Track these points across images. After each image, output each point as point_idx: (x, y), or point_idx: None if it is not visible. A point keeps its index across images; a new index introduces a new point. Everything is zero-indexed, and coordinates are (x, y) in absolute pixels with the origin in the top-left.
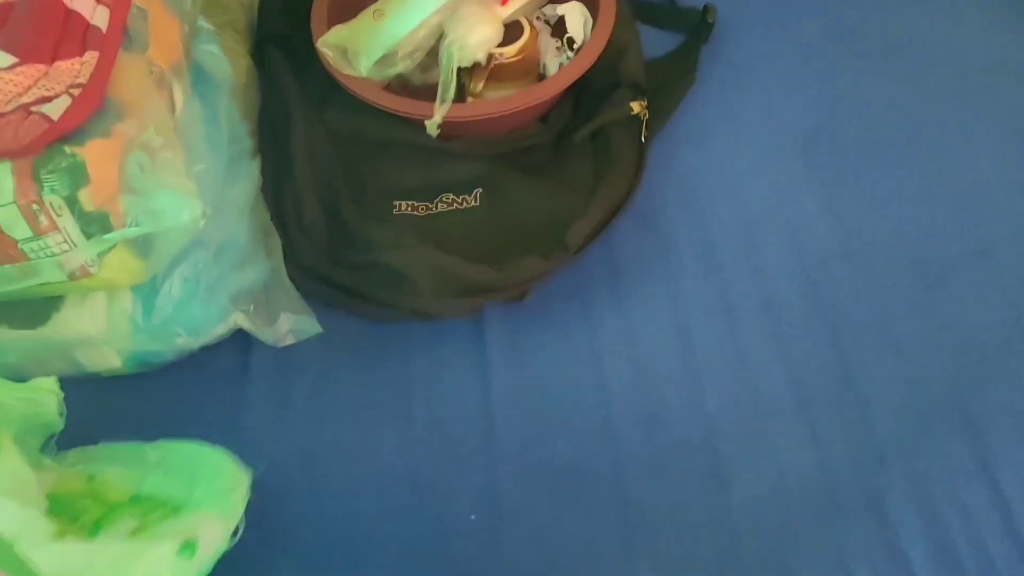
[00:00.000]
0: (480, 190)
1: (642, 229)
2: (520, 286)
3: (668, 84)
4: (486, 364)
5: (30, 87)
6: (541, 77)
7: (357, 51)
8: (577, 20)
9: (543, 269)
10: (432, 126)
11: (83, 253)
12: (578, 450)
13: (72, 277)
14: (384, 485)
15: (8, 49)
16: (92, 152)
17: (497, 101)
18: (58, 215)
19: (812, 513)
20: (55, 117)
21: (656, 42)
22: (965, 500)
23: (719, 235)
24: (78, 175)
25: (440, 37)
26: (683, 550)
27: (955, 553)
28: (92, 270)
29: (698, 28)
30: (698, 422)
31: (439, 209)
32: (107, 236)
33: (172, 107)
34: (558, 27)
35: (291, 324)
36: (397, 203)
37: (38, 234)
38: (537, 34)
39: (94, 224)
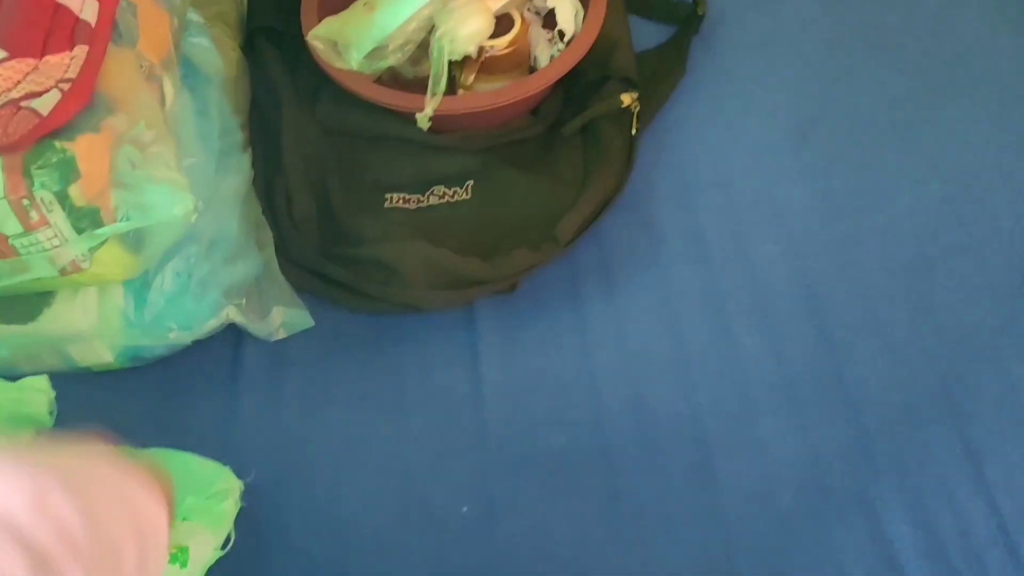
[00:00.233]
0: (471, 183)
1: (632, 221)
2: (510, 278)
3: (659, 76)
4: (477, 356)
5: (19, 82)
6: (532, 69)
7: (347, 44)
8: (568, 12)
9: (533, 261)
10: (423, 119)
11: (74, 248)
12: (568, 441)
13: (63, 272)
14: (376, 477)
15: None
16: (82, 147)
17: (488, 94)
18: (49, 210)
19: (800, 503)
20: (45, 112)
21: (647, 34)
22: (951, 488)
23: (709, 227)
24: (68, 170)
25: (431, 30)
26: (672, 540)
27: (941, 543)
28: (83, 265)
29: (689, 20)
30: (688, 413)
31: (430, 202)
32: (98, 231)
33: (162, 101)
34: (549, 19)
35: (283, 318)
36: (388, 196)
37: (29, 230)
38: (528, 26)
39: (85, 219)
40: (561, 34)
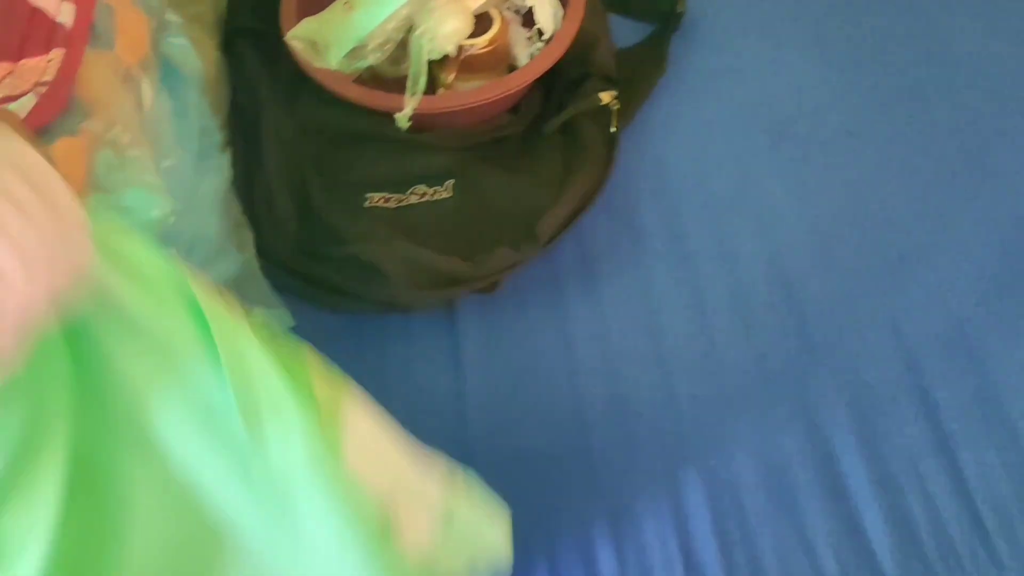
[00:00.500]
0: (451, 181)
1: (613, 219)
2: (491, 277)
3: (638, 74)
4: (459, 354)
5: None
6: (512, 68)
7: (327, 43)
8: (547, 11)
9: (514, 260)
10: (402, 119)
11: None
12: (550, 436)
13: None
14: None
15: None
16: (59, 150)
17: (467, 92)
18: None
19: (769, 505)
20: (21, 115)
21: (626, 32)
22: (921, 472)
23: (689, 223)
24: None
25: (410, 29)
26: (651, 534)
27: (917, 537)
28: None
29: (668, 18)
30: (668, 408)
31: (411, 201)
32: None
33: (140, 103)
34: (528, 18)
35: (263, 318)
36: (369, 195)
37: None
38: (507, 25)
39: None
40: (540, 33)
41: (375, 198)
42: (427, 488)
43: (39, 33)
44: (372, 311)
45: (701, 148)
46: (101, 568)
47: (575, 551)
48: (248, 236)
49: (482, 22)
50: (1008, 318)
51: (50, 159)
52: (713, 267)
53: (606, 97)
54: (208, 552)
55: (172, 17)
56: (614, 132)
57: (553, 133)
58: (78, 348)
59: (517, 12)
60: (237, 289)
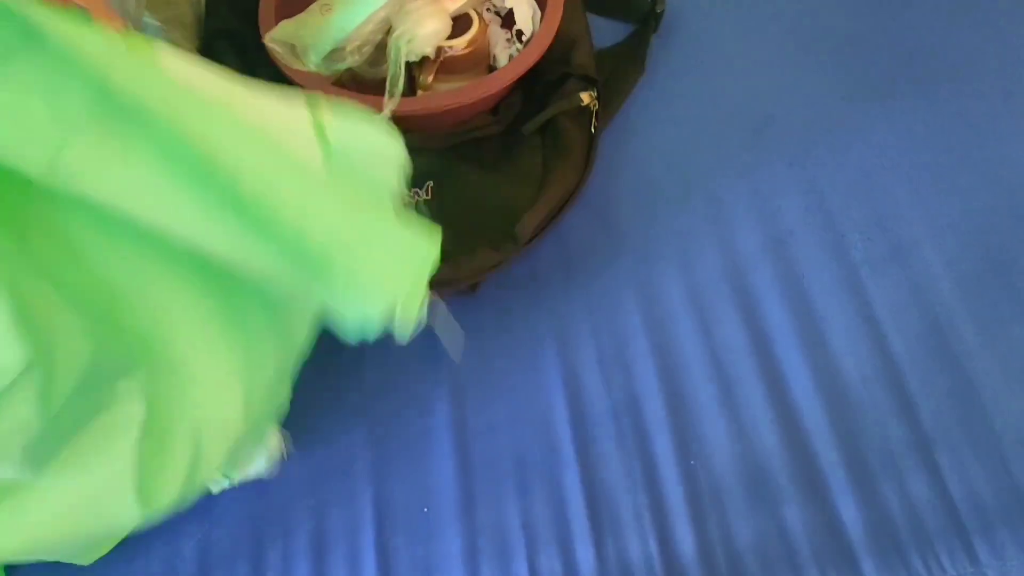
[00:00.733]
0: (431, 183)
1: (593, 219)
2: (472, 278)
3: (618, 74)
4: (439, 357)
5: None
6: (491, 69)
7: (305, 46)
8: (525, 12)
9: (494, 262)
10: (381, 120)
11: None
12: (529, 438)
13: None
14: (339, 477)
15: None
16: None
17: (447, 94)
18: None
19: (747, 502)
20: None
21: (606, 32)
22: (899, 469)
23: (669, 222)
24: None
25: (388, 31)
26: (631, 531)
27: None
28: None
29: (647, 18)
30: (648, 404)
31: None
32: None
33: None
34: (508, 19)
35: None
36: None
37: None
38: (487, 26)
39: None
40: (519, 34)
41: None
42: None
43: None
44: None
45: (680, 148)
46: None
47: (554, 546)
48: None
49: (461, 23)
50: (985, 314)
51: None
52: (692, 263)
53: (586, 97)
54: None
55: (149, 20)
56: (594, 132)
57: (533, 134)
58: None
59: (496, 13)
60: None
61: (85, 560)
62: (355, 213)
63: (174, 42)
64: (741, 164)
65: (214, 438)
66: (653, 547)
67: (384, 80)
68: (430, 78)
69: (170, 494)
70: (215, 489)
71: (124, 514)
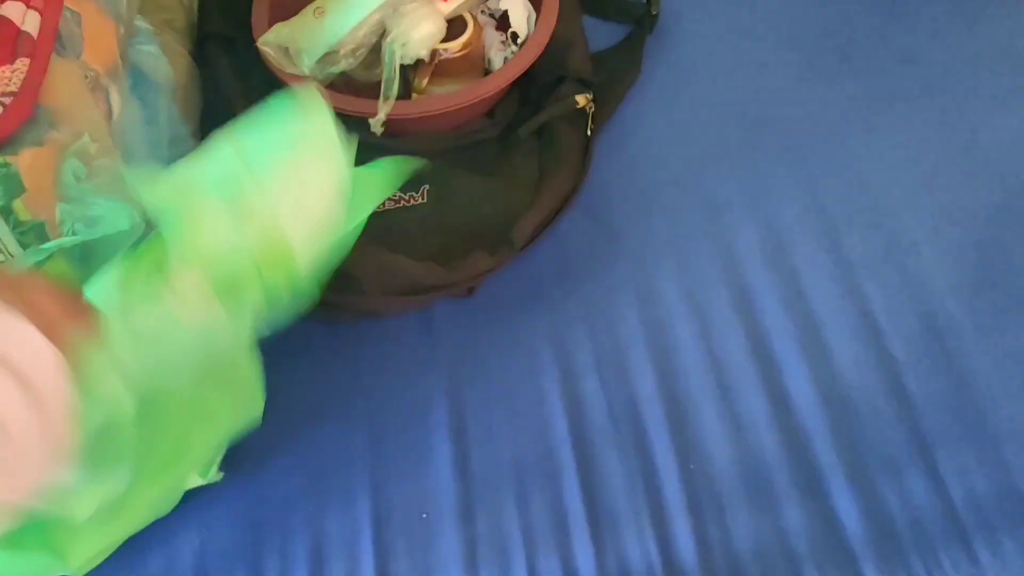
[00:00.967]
0: (427, 187)
1: (589, 222)
2: (468, 282)
3: (614, 77)
4: (435, 361)
5: None
6: (486, 72)
7: (299, 49)
8: (520, 14)
9: (490, 266)
10: (376, 124)
11: (20, 263)
12: (527, 443)
13: None
14: (337, 482)
15: None
16: (26, 161)
17: (441, 97)
18: None
19: (747, 504)
20: None
21: (601, 34)
22: (899, 470)
23: (665, 226)
24: (12, 184)
25: (383, 34)
26: (630, 533)
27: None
28: None
29: (643, 20)
30: (646, 406)
31: (386, 207)
32: (44, 246)
33: (109, 111)
34: (502, 21)
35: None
36: None
37: None
38: (481, 29)
39: (30, 234)
40: (515, 36)
41: None
42: None
43: (4, 42)
44: (347, 319)
45: (677, 150)
46: None
47: (553, 552)
48: None
49: (455, 26)
50: (983, 315)
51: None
52: (690, 266)
53: (582, 100)
54: None
55: (141, 24)
56: (590, 135)
57: (529, 137)
58: None
59: (491, 16)
60: None
61: None
62: None
63: (166, 45)
64: (737, 166)
65: None
66: (653, 551)
67: (378, 83)
68: (425, 81)
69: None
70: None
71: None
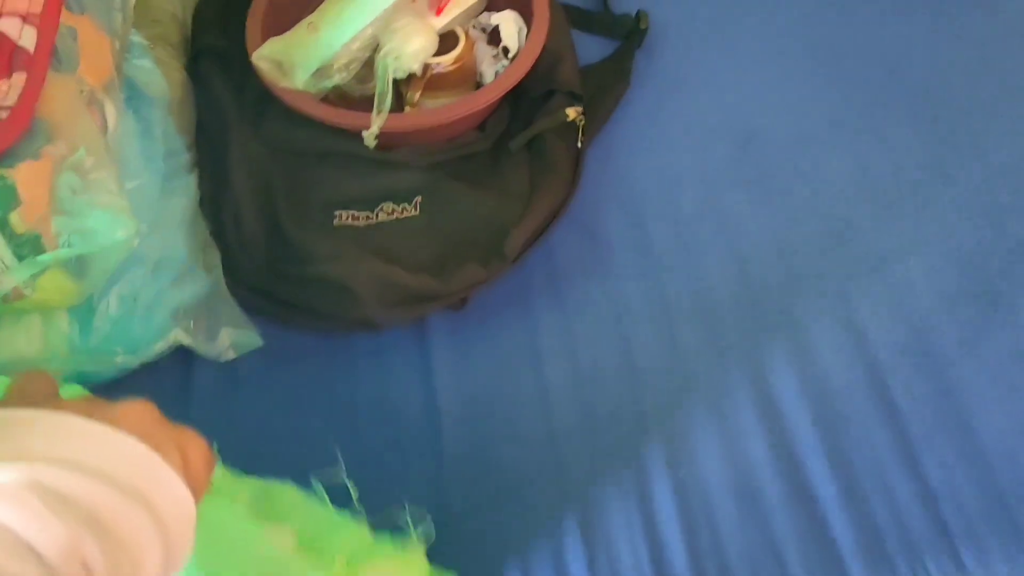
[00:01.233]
0: (419, 199)
1: (580, 233)
2: (461, 294)
3: (603, 90)
4: (430, 371)
5: None
6: (479, 85)
7: (293, 64)
8: (511, 29)
9: (483, 277)
10: (369, 137)
11: (16, 276)
12: (521, 452)
13: (5, 300)
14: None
15: None
16: (22, 174)
17: (434, 111)
18: None
19: (737, 513)
20: None
21: (591, 48)
22: (886, 477)
23: (655, 236)
24: (8, 197)
25: (375, 48)
26: (622, 543)
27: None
28: (26, 292)
29: (631, 34)
30: (636, 418)
31: (379, 219)
32: (40, 258)
33: (104, 125)
34: (494, 35)
35: (232, 338)
36: (338, 213)
37: None
38: (473, 43)
39: (26, 246)
40: (506, 50)
41: (344, 216)
42: None
43: (0, 58)
44: (342, 329)
45: (666, 162)
46: None
47: (547, 562)
48: (216, 257)
49: (447, 41)
50: (967, 324)
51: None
52: (679, 278)
53: (572, 113)
54: None
55: (136, 38)
56: (580, 147)
57: (520, 149)
58: None
59: (483, 30)
60: (206, 310)
61: None
62: None
63: (161, 59)
64: (724, 177)
65: None
66: (645, 560)
67: (372, 97)
68: (417, 94)
69: None
70: None
71: None
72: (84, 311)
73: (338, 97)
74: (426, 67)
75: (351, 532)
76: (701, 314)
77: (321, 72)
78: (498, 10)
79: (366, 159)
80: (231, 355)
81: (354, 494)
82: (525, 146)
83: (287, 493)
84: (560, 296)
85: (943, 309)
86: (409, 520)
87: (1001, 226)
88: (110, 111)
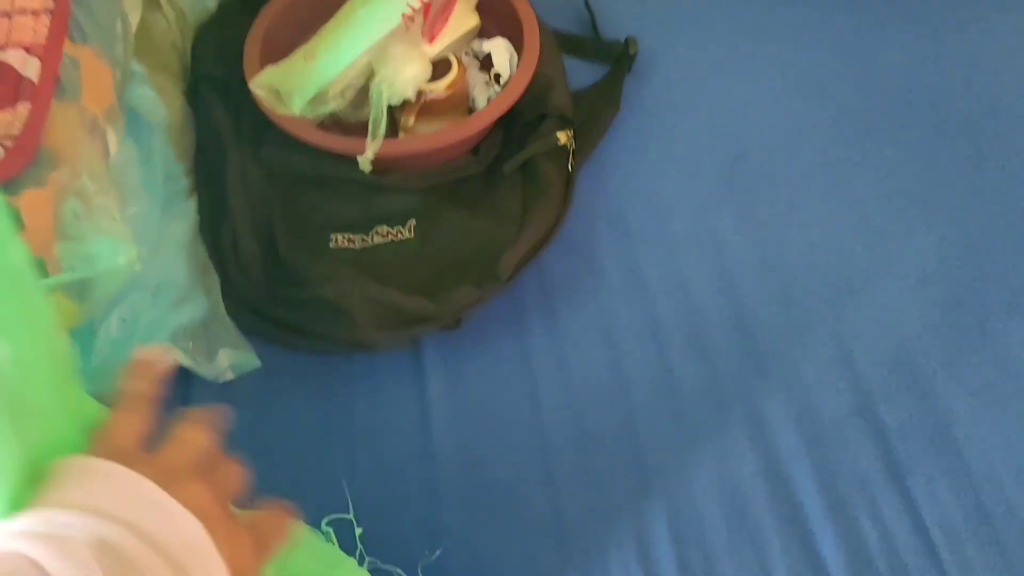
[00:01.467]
0: (414, 221)
1: (572, 255)
2: (455, 314)
3: (594, 114)
4: (425, 392)
5: None
6: (471, 110)
7: (290, 91)
8: (503, 56)
9: (476, 298)
10: (364, 162)
11: None
12: (515, 471)
13: None
14: (326, 515)
15: None
16: (26, 201)
17: (428, 136)
18: None
19: (728, 533)
20: None
21: (581, 73)
22: (873, 496)
23: (645, 258)
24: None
25: (370, 76)
26: (615, 565)
27: (868, 556)
28: None
29: (621, 59)
30: (629, 438)
31: (374, 241)
32: (43, 282)
33: (106, 152)
34: (486, 62)
35: (230, 359)
36: (333, 236)
37: None
38: (466, 70)
39: None
40: (497, 76)
41: (339, 239)
42: None
43: (6, 88)
44: (338, 351)
45: (656, 184)
46: None
47: None
48: (215, 280)
49: (440, 67)
50: (951, 343)
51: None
52: (669, 298)
53: (563, 137)
54: None
55: (137, 68)
56: (571, 170)
57: (512, 172)
58: None
59: (475, 57)
60: (205, 331)
61: None
62: None
63: (161, 87)
64: (713, 199)
65: None
66: None
67: (367, 122)
68: (411, 120)
69: None
70: None
71: None
72: (85, 334)
73: (334, 123)
74: (420, 93)
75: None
76: (691, 334)
77: (317, 99)
78: (490, 37)
79: (361, 183)
80: (229, 376)
81: (358, 531)
82: (517, 169)
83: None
84: (552, 316)
85: (928, 331)
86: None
87: (985, 249)
88: (111, 138)
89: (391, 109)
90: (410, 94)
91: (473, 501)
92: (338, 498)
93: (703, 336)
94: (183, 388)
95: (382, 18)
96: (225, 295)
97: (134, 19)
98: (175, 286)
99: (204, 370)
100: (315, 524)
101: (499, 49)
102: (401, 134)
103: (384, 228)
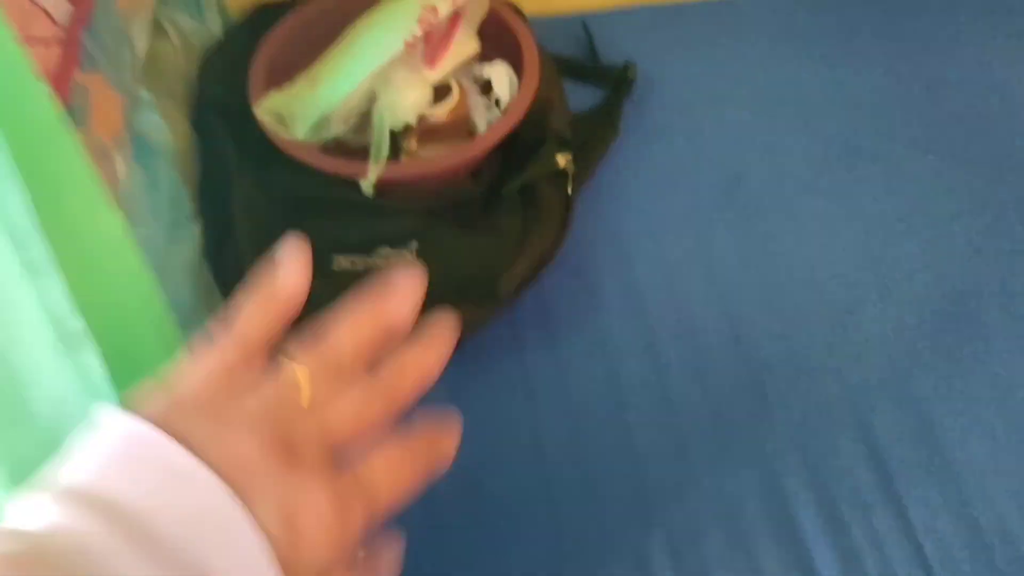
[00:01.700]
0: (415, 243)
1: (571, 277)
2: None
3: (593, 138)
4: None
5: None
6: (472, 133)
7: (293, 116)
8: (503, 81)
9: (477, 319)
10: (367, 185)
11: None
12: (513, 490)
13: None
14: None
15: None
16: None
17: (429, 160)
18: None
19: (727, 550)
20: None
21: (581, 97)
22: (868, 513)
23: (644, 280)
24: None
25: (372, 101)
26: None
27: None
28: None
29: (620, 84)
30: (627, 458)
31: (377, 263)
32: None
33: (115, 177)
34: (486, 86)
35: None
36: (336, 259)
37: None
38: (466, 94)
39: None
40: (498, 101)
41: (342, 261)
42: None
43: None
44: None
45: (654, 207)
46: None
47: None
48: (219, 302)
49: (442, 92)
50: (943, 362)
51: None
52: (667, 321)
53: (562, 160)
54: None
55: (144, 94)
56: (571, 193)
57: (512, 195)
58: None
59: (476, 82)
60: None
61: None
62: None
63: (167, 113)
64: (710, 223)
65: None
66: None
67: (369, 146)
68: (413, 144)
69: None
70: None
71: None
72: None
73: (337, 147)
74: (421, 118)
75: None
76: (689, 355)
77: (321, 124)
78: (490, 62)
79: (364, 206)
80: None
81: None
82: (517, 192)
83: None
84: (552, 337)
85: (925, 349)
86: None
87: (976, 271)
88: (120, 164)
89: (393, 133)
90: (411, 119)
91: (470, 518)
92: None
93: (701, 356)
94: None
95: (385, 44)
96: None
97: (142, 46)
98: (181, 308)
99: None
100: None
101: (499, 74)
102: (402, 158)
103: (386, 250)
